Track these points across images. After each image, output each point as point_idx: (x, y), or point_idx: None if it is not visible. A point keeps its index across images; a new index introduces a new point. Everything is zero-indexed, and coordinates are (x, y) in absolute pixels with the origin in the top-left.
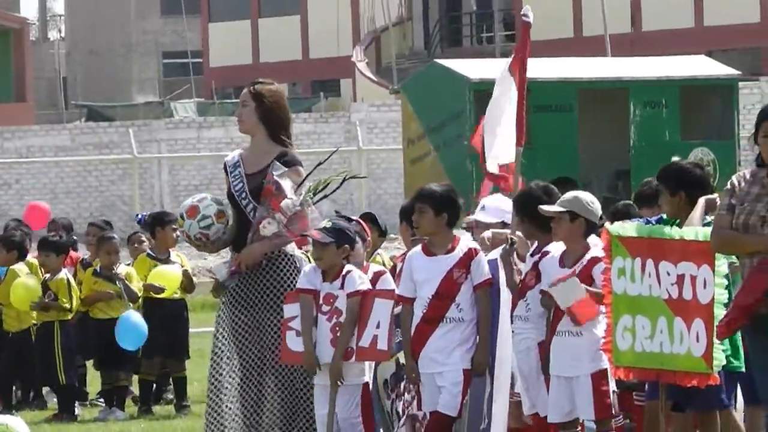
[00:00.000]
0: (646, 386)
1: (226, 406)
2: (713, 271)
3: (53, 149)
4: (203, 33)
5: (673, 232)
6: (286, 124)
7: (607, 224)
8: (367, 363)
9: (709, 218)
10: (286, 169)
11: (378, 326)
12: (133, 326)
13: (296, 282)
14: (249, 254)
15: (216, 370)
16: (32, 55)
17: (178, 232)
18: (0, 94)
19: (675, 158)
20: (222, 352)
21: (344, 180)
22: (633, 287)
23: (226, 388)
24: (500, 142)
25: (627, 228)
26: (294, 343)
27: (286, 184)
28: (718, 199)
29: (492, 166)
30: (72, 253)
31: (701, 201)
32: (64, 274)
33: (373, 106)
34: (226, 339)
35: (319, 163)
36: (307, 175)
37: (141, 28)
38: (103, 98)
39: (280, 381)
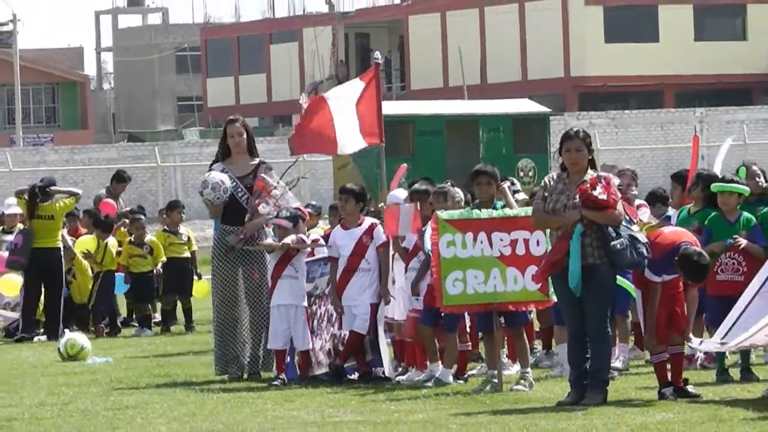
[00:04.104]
0: (477, 322)
1: (227, 325)
2: (546, 234)
3: (106, 160)
4: (203, 84)
5: (483, 213)
6: (255, 144)
7: (437, 212)
8: (304, 288)
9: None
10: (270, 171)
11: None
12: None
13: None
14: (252, 226)
15: (218, 303)
16: (92, 98)
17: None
18: (71, 124)
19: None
20: (219, 290)
21: (299, 179)
22: (464, 252)
23: (227, 313)
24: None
25: (454, 214)
26: None
27: (271, 181)
28: (506, 184)
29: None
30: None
31: (506, 189)
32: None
33: None
34: (220, 282)
35: (290, 166)
36: (282, 176)
37: (163, 81)
38: (138, 127)
39: (250, 304)
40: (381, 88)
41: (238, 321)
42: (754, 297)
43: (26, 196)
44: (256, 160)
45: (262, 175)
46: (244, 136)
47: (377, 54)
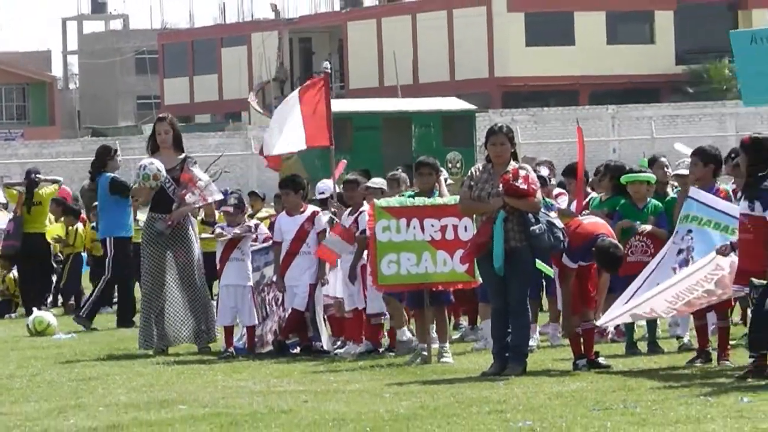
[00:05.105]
0: (408, 300)
1: (154, 304)
2: (473, 220)
3: (72, 153)
4: (161, 84)
5: (418, 201)
6: (182, 140)
7: (375, 200)
8: (250, 270)
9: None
10: (195, 165)
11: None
12: None
13: (194, 230)
14: (179, 214)
15: (146, 284)
16: (59, 97)
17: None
18: (40, 121)
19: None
20: (148, 272)
21: (221, 173)
22: (398, 236)
23: (154, 293)
24: (284, 139)
25: (390, 201)
26: None
27: (196, 173)
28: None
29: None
30: (81, 215)
31: (441, 180)
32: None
33: (261, 128)
34: (149, 265)
35: (214, 161)
36: (206, 169)
37: (123, 82)
38: (101, 123)
39: (183, 284)
40: (329, 96)
41: (165, 300)
42: (652, 272)
43: (19, 188)
44: (183, 155)
45: (190, 167)
46: (171, 133)
47: (326, 64)
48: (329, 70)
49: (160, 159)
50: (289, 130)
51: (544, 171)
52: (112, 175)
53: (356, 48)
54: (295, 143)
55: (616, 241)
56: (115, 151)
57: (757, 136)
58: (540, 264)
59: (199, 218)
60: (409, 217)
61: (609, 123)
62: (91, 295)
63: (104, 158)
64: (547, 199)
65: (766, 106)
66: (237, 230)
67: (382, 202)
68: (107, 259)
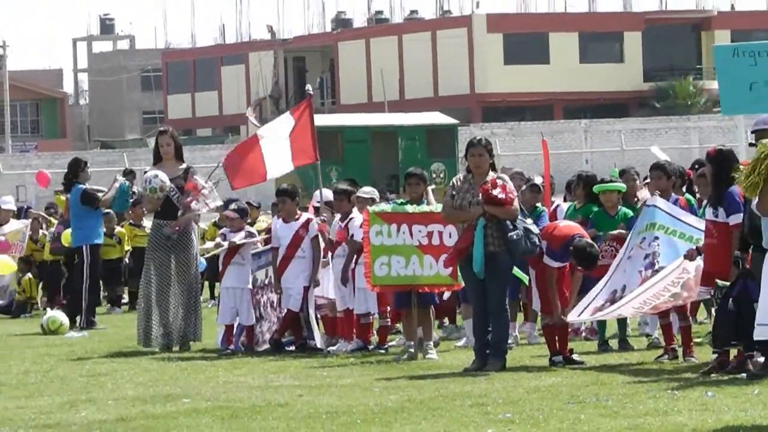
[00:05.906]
0: (396, 300)
1: (159, 304)
2: (456, 228)
3: None
4: (164, 99)
5: (408, 208)
6: (182, 151)
7: (368, 207)
8: (249, 273)
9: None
10: (197, 174)
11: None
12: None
13: (195, 235)
14: (185, 220)
15: (149, 285)
16: (70, 112)
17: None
18: (52, 134)
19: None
20: (153, 274)
21: (218, 181)
22: (389, 240)
23: (159, 293)
24: (275, 161)
25: (383, 207)
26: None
27: (200, 182)
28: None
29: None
30: None
31: (429, 189)
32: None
33: None
34: (151, 267)
35: (213, 169)
36: (208, 177)
37: (130, 98)
38: (109, 136)
39: (183, 287)
40: (313, 115)
41: (169, 300)
42: (614, 272)
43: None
44: (184, 165)
45: (195, 177)
46: (172, 145)
47: (309, 87)
48: (312, 92)
49: (164, 169)
50: (278, 155)
51: (538, 179)
52: (84, 186)
53: (346, 66)
54: (283, 166)
55: (591, 241)
56: (86, 163)
57: (721, 148)
58: (516, 271)
59: (212, 221)
60: (399, 223)
61: (582, 136)
62: (80, 307)
63: (76, 170)
64: (539, 207)
65: (731, 119)
66: (241, 235)
67: (376, 207)
68: (84, 266)
